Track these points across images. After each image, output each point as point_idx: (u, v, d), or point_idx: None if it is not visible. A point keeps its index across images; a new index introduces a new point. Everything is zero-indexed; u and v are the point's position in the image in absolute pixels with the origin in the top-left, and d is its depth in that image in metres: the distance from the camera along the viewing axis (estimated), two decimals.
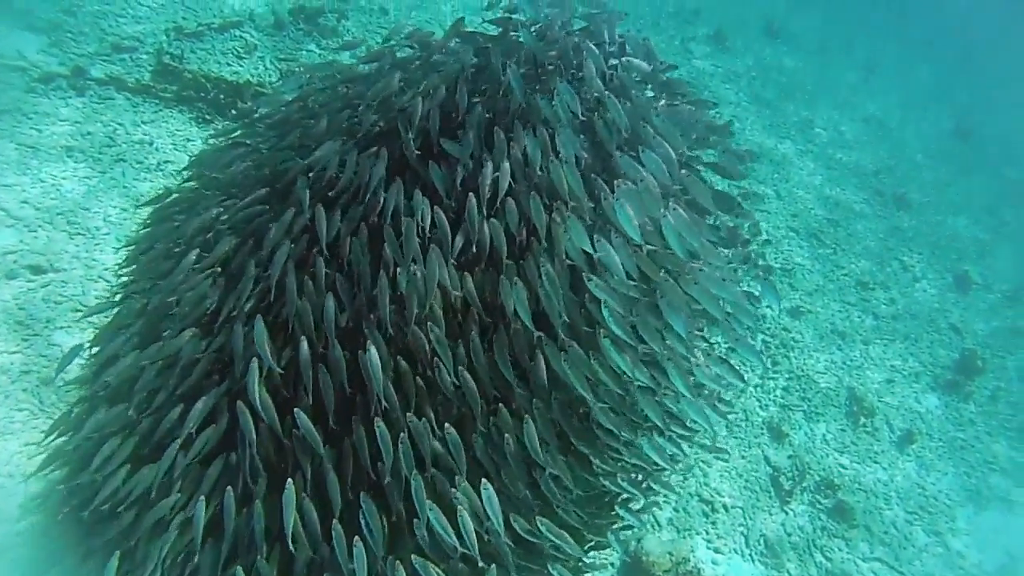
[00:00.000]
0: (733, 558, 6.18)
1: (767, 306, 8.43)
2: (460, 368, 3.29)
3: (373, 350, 3.25)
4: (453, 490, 3.24)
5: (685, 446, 3.74)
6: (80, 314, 5.45)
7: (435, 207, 3.43)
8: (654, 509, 5.84)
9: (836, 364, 8.37)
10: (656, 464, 3.56)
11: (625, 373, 3.24)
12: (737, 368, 3.74)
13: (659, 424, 3.38)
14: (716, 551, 6.16)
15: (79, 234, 5.95)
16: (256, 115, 4.21)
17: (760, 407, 7.46)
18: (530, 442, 3.27)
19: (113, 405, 3.57)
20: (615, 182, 3.35)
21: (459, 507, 3.18)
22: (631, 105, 3.56)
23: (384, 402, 3.22)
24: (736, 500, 6.53)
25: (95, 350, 3.91)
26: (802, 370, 8.06)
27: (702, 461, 6.62)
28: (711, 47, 13.76)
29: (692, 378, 3.45)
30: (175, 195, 4.16)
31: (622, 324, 3.20)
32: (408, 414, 3.27)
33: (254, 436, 3.23)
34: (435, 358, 3.29)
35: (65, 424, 3.84)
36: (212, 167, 4.02)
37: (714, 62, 13.32)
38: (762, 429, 7.25)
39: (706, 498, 6.41)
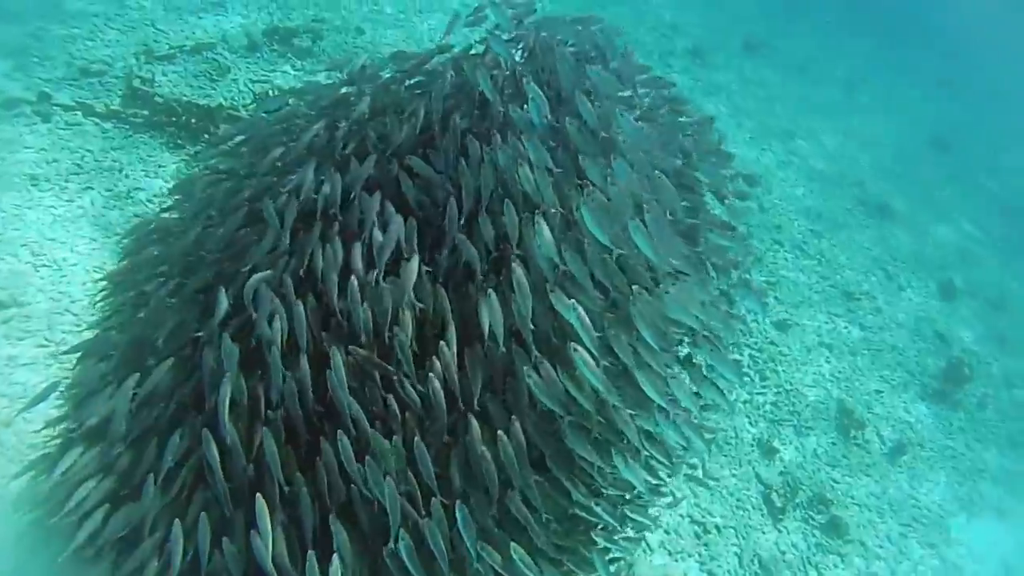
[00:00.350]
0: None
1: (752, 320, 8.36)
2: (432, 378, 3.16)
3: (338, 360, 3.14)
4: (425, 520, 3.10)
5: (665, 474, 3.59)
6: (45, 350, 5.24)
7: (409, 219, 3.36)
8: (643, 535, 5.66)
9: (824, 376, 8.30)
10: (635, 490, 3.43)
11: (596, 388, 3.12)
12: (719, 386, 3.63)
13: (635, 444, 3.26)
14: (710, 573, 6.01)
15: (44, 266, 5.74)
16: (236, 140, 4.12)
17: (750, 423, 7.35)
18: (505, 458, 3.14)
19: (89, 443, 3.45)
20: (584, 189, 3.29)
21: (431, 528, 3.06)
22: (603, 109, 3.49)
23: (351, 419, 3.12)
24: (728, 520, 6.40)
25: (70, 386, 3.77)
26: (791, 384, 7.97)
27: (692, 481, 6.48)
28: (689, 61, 13.83)
29: (670, 397, 3.33)
30: (153, 224, 4.05)
31: (591, 335, 3.09)
32: (372, 430, 3.15)
33: (218, 463, 3.10)
34: (400, 371, 3.19)
35: (41, 465, 3.72)
36: (190, 194, 3.92)
37: (693, 76, 13.37)
38: (752, 446, 7.14)
39: (698, 519, 6.27)
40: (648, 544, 5.88)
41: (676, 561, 5.93)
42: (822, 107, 14.66)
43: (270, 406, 3.24)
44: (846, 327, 9.19)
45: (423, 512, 3.14)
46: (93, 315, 5.54)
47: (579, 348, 3.12)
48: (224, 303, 3.32)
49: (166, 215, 4.12)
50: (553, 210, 3.29)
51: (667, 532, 6.08)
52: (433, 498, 3.13)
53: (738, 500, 6.58)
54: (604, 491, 3.42)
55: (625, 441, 3.32)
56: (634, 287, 3.18)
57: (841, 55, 17.30)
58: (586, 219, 3.17)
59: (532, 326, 3.16)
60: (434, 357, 3.21)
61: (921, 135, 15.59)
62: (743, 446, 7.11)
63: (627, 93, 3.88)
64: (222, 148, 4.18)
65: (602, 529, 3.56)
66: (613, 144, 3.46)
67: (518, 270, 3.20)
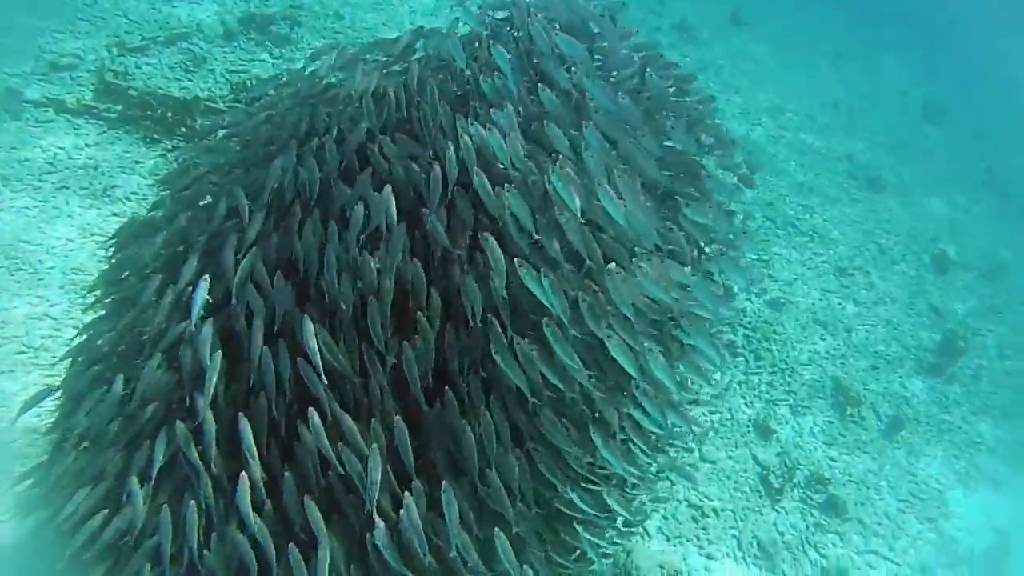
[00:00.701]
0: (726, 563, 6.01)
1: (746, 299, 8.29)
2: (406, 346, 3.10)
3: (308, 326, 3.08)
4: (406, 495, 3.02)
5: (648, 461, 3.49)
6: (24, 356, 5.11)
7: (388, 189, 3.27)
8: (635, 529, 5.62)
9: (820, 354, 8.25)
10: (617, 479, 3.35)
11: (570, 365, 3.06)
12: (699, 365, 3.52)
13: (613, 424, 3.18)
14: (708, 557, 5.99)
15: (20, 269, 5.59)
16: (223, 130, 4.04)
17: (745, 404, 7.31)
18: (486, 437, 3.09)
19: (81, 449, 3.40)
20: (555, 157, 3.21)
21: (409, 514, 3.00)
22: (576, 77, 3.40)
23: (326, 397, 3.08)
24: (726, 503, 6.37)
25: (59, 393, 3.71)
26: (786, 363, 7.93)
27: (688, 465, 6.44)
28: (677, 37, 13.61)
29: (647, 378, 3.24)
30: (139, 220, 3.97)
31: (563, 308, 3.02)
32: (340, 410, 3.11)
33: (196, 456, 3.07)
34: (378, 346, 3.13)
35: (36, 473, 3.71)
36: (175, 186, 3.86)
37: (681, 52, 13.16)
38: (748, 427, 7.10)
39: (695, 503, 6.24)
40: (646, 530, 5.85)
41: (674, 546, 5.91)
42: (811, 81, 14.50)
43: (251, 391, 3.17)
44: (840, 303, 9.14)
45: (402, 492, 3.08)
46: (72, 318, 5.43)
47: (551, 323, 3.06)
48: (203, 292, 3.24)
49: (154, 212, 4.02)
50: (532, 179, 3.20)
51: (665, 517, 6.04)
52: (413, 480, 3.09)
53: (735, 483, 6.55)
54: (585, 478, 3.33)
55: (603, 422, 3.25)
56: (610, 265, 3.09)
57: (828, 29, 17.08)
58: (556, 187, 3.10)
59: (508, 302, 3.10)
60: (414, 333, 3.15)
61: (911, 107, 15.46)
62: (739, 427, 7.07)
63: (619, 70, 3.77)
64: (206, 143, 4.10)
65: (587, 523, 3.46)
66: (586, 112, 3.36)
67: (491, 240, 3.11)
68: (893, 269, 10.26)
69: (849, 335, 8.72)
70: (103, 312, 3.85)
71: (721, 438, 6.89)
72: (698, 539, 6.04)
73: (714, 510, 6.26)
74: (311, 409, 3.06)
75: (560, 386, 3.11)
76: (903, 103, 15.45)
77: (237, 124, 3.94)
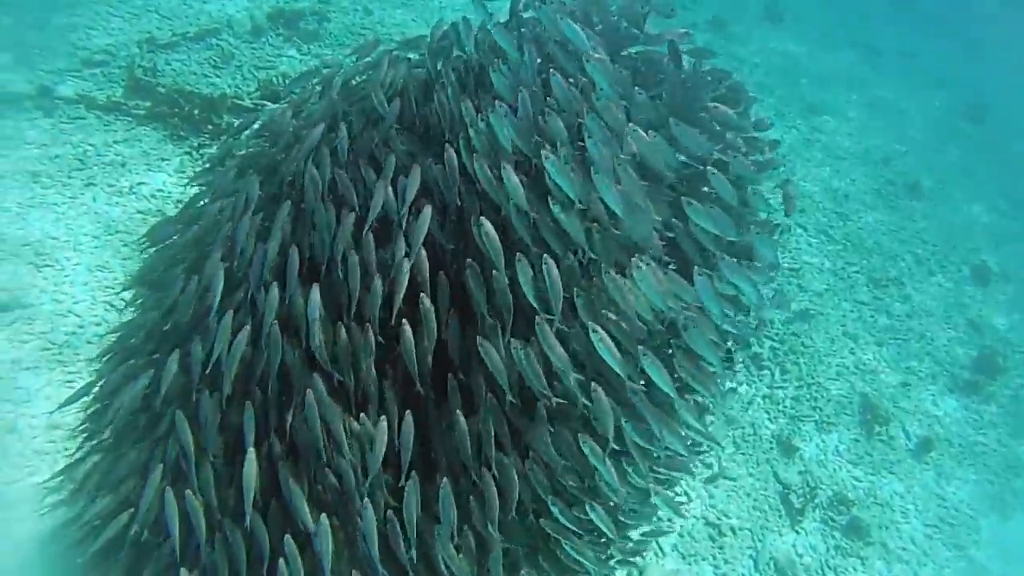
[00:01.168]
0: None
1: (776, 310, 8.07)
2: (404, 326, 3.06)
3: (315, 297, 3.08)
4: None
5: (642, 477, 3.34)
6: (48, 352, 5.20)
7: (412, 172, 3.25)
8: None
9: (848, 369, 8.00)
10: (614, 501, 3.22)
11: (557, 364, 2.97)
12: (709, 371, 3.32)
13: (605, 432, 3.05)
14: None
15: (47, 266, 5.69)
16: (256, 126, 4.09)
17: (769, 419, 7.12)
18: (482, 435, 3.05)
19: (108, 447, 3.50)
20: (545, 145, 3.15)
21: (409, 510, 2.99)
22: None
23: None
24: (744, 521, 6.22)
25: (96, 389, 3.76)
26: (813, 377, 7.70)
27: (706, 480, 6.31)
28: (712, 34, 13.27)
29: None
30: (172, 218, 4.03)
31: (557, 301, 2.96)
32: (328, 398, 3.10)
33: (191, 446, 3.11)
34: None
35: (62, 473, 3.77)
36: (211, 183, 3.91)
37: (715, 49, 12.81)
38: (771, 443, 6.92)
39: (712, 521, 6.11)
40: (660, 547, 5.75)
41: (689, 565, 5.79)
42: (847, 78, 13.99)
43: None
44: (872, 316, 8.84)
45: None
46: (95, 316, 5.52)
47: (541, 320, 2.99)
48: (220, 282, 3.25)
49: (186, 209, 4.06)
50: (535, 160, 3.13)
51: (681, 535, 5.93)
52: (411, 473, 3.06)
53: (755, 501, 6.39)
54: (568, 490, 3.21)
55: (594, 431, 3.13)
56: (604, 271, 2.99)
57: (865, 19, 16.46)
58: (550, 172, 3.04)
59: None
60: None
61: (953, 105, 14.82)
62: (762, 443, 6.89)
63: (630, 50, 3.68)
64: (235, 141, 4.16)
65: (580, 539, 3.33)
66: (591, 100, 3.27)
67: (486, 226, 3.06)
68: (930, 280, 9.89)
69: (880, 349, 8.44)
70: (135, 309, 3.91)
71: (743, 454, 6.73)
72: (714, 558, 5.92)
73: (732, 529, 6.12)
74: (308, 389, 3.06)
75: (536, 385, 3.01)
76: (945, 99, 14.81)
77: (267, 123, 3.97)
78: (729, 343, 3.49)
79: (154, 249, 3.96)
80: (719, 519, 6.14)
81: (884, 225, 10.49)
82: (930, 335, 8.94)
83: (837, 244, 9.71)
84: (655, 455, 3.26)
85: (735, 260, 3.27)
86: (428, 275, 3.17)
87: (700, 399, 3.44)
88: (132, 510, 3.28)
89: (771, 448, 6.89)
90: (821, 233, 9.77)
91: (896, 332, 8.79)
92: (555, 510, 3.17)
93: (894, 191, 11.39)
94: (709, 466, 6.44)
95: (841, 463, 7.07)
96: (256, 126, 4.07)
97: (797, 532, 6.35)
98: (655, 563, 5.63)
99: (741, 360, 7.39)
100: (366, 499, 2.98)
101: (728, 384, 6.91)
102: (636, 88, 3.37)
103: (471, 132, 3.24)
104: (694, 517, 6.09)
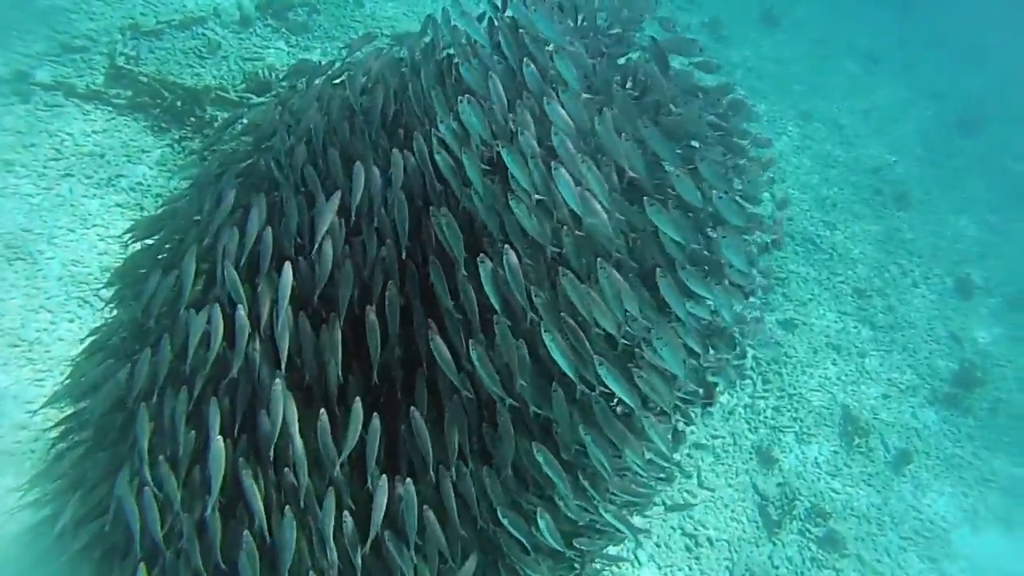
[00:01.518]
0: None
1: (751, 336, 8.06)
2: (368, 311, 3.03)
3: (287, 275, 3.03)
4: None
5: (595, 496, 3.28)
6: (18, 349, 5.08)
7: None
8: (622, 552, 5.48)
9: (830, 380, 8.03)
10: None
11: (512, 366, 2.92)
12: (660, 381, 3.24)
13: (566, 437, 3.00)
14: None
15: (19, 259, 5.55)
16: (242, 124, 4.09)
17: (749, 430, 7.13)
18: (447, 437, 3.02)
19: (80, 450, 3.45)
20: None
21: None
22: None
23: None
24: (721, 533, 6.23)
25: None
26: (794, 387, 7.72)
27: (686, 491, 6.31)
28: (707, 36, 13.20)
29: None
30: (155, 215, 3.96)
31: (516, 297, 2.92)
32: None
33: (145, 443, 3.03)
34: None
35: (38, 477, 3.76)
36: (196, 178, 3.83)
37: (708, 53, 12.76)
38: (751, 454, 6.93)
39: (689, 531, 6.11)
40: (637, 558, 5.74)
41: (665, 575, 5.79)
42: (841, 85, 14.01)
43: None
44: (855, 327, 8.88)
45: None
46: (68, 312, 5.39)
47: (500, 319, 2.97)
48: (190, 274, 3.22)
49: (171, 205, 3.98)
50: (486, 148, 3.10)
51: (657, 545, 5.92)
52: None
53: (733, 512, 6.40)
54: (526, 502, 3.16)
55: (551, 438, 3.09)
56: (563, 274, 2.92)
57: (863, 26, 16.47)
58: (506, 161, 2.98)
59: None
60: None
61: (945, 116, 14.89)
62: (741, 454, 6.90)
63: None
64: (227, 134, 4.20)
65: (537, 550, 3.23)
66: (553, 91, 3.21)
67: (447, 218, 3.03)
68: (913, 292, 9.94)
69: (862, 361, 8.47)
70: (114, 306, 3.83)
71: (722, 464, 6.73)
72: (690, 569, 5.92)
73: (708, 540, 6.13)
74: (277, 379, 3.00)
75: (490, 386, 2.96)
76: (937, 111, 14.87)
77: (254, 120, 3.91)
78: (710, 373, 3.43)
79: (136, 246, 3.88)
80: (696, 530, 6.14)
81: (870, 235, 10.53)
82: (912, 347, 8.99)
83: (823, 253, 9.73)
84: (618, 471, 3.22)
85: (700, 269, 3.21)
86: (398, 270, 3.14)
87: (680, 425, 3.39)
88: (105, 512, 3.22)
89: (751, 459, 6.90)
90: (808, 242, 9.78)
91: (879, 343, 8.83)
92: (505, 521, 3.12)
93: (882, 201, 11.43)
94: (688, 476, 6.44)
95: (820, 474, 7.10)
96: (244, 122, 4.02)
97: (774, 543, 6.37)
98: (631, 573, 5.62)
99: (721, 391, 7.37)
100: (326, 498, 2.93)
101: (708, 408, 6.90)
102: (620, 88, 3.29)
103: (440, 124, 3.19)
104: (671, 527, 6.09)
